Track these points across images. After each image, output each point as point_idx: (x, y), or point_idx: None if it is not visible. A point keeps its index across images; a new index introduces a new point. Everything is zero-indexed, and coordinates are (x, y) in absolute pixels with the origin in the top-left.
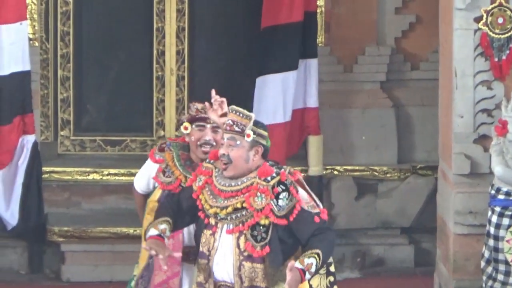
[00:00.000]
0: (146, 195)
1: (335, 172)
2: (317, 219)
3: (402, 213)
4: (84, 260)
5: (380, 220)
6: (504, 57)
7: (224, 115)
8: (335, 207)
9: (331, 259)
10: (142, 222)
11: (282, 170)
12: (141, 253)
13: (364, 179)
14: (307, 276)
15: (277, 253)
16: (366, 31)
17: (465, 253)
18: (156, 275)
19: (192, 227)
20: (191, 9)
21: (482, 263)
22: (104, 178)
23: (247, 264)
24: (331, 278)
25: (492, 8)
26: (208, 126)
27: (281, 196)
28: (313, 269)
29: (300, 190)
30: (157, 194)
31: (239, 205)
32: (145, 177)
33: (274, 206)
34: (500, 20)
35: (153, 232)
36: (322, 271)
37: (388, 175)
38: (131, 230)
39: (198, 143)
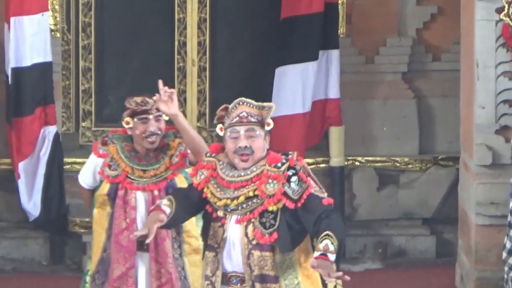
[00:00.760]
0: (92, 190)
1: (357, 163)
2: (325, 201)
3: (423, 204)
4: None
5: (402, 211)
6: None
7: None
8: (357, 198)
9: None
10: (91, 215)
11: (290, 156)
12: (93, 246)
13: (386, 170)
14: (330, 256)
15: (286, 239)
16: (387, 22)
17: (487, 243)
18: (115, 268)
19: (144, 216)
20: (212, 0)
21: (504, 254)
22: None
23: (256, 253)
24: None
25: None
26: (151, 116)
27: (292, 179)
28: (331, 248)
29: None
30: (105, 187)
31: (251, 194)
32: (90, 172)
33: (287, 189)
34: None
35: (164, 203)
36: None
37: (409, 166)
38: None
39: (143, 135)
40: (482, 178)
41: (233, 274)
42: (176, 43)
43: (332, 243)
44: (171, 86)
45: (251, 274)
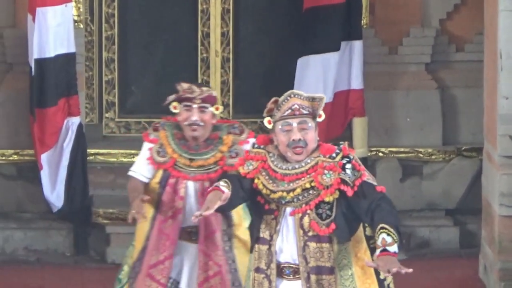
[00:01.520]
0: (144, 185)
1: (380, 154)
2: (378, 189)
3: (447, 194)
4: (129, 242)
5: (425, 202)
6: None
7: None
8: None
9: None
10: (133, 198)
11: (342, 145)
12: (136, 235)
13: (409, 160)
14: (390, 249)
15: (344, 229)
16: (410, 12)
17: (510, 234)
18: (153, 255)
19: (194, 206)
20: None
21: None
22: None
23: (312, 244)
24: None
25: None
26: (195, 106)
27: (347, 167)
28: (389, 240)
29: None
30: (158, 175)
31: (307, 185)
32: (144, 161)
33: (344, 175)
34: None
35: (223, 184)
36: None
37: (433, 156)
38: None
39: (185, 123)
40: (506, 169)
41: (286, 265)
42: (200, 33)
43: (388, 235)
44: (195, 77)
45: (306, 266)
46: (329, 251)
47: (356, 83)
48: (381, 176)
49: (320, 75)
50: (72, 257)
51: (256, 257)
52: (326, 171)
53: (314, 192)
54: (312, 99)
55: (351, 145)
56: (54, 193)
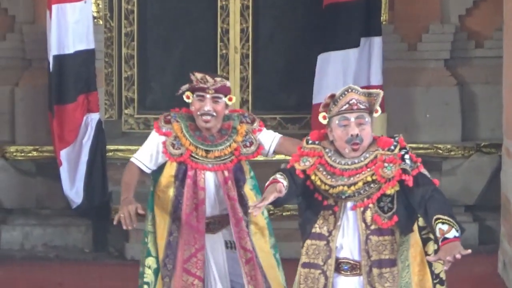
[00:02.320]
0: (142, 174)
1: None
2: (435, 181)
3: (466, 191)
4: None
5: None
6: None
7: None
8: None
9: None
10: (124, 193)
11: (398, 137)
12: (157, 232)
13: (428, 156)
14: (449, 235)
15: (406, 221)
16: (430, 9)
17: None
18: (185, 250)
19: (213, 197)
20: None
21: None
22: None
23: (374, 238)
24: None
25: None
26: (208, 96)
27: (406, 157)
28: (445, 228)
29: None
30: (172, 169)
31: (369, 178)
32: (149, 151)
33: (404, 165)
34: None
35: (280, 176)
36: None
37: (452, 153)
38: None
39: (198, 113)
40: None
41: (344, 260)
42: (219, 30)
43: (443, 223)
44: (214, 73)
45: (368, 259)
46: (392, 244)
47: (376, 79)
48: None
49: (340, 72)
50: (91, 253)
51: (304, 252)
52: (386, 164)
53: (375, 185)
54: (369, 94)
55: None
56: (73, 189)
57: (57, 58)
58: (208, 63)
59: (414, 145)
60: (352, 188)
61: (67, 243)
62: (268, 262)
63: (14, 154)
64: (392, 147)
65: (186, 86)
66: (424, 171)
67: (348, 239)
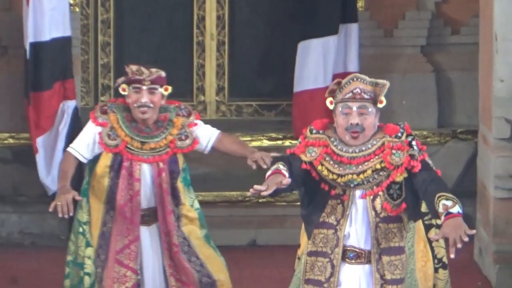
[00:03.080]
0: (78, 163)
1: None
2: (438, 172)
3: (442, 177)
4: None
5: None
6: None
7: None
8: None
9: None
10: (61, 181)
11: (403, 124)
12: (91, 222)
13: None
14: (453, 210)
15: (414, 207)
16: None
17: (506, 217)
18: (118, 240)
19: (150, 190)
20: None
21: None
22: None
23: (383, 226)
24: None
25: None
26: (144, 88)
27: (413, 143)
28: (450, 203)
29: None
30: (108, 159)
31: (378, 166)
32: (86, 141)
33: (412, 151)
34: None
35: (283, 167)
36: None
37: (428, 139)
38: None
39: (135, 105)
40: (501, 151)
41: (350, 248)
42: (195, 17)
43: (447, 199)
44: (190, 60)
45: (378, 247)
46: (401, 231)
47: (352, 66)
48: None
49: (321, 59)
50: (67, 240)
51: (311, 241)
52: (394, 151)
53: (384, 173)
54: (375, 84)
55: None
56: (50, 176)
57: (34, 45)
58: (184, 50)
59: None
60: (361, 176)
61: (43, 230)
62: (205, 250)
63: None
64: (399, 134)
65: (122, 78)
66: (428, 159)
67: (356, 227)
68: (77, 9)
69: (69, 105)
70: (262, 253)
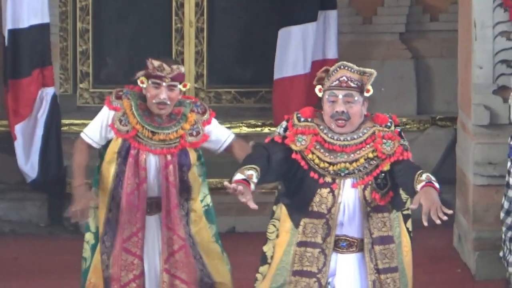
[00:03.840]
0: (91, 149)
1: None
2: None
3: (421, 164)
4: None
5: None
6: None
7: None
8: None
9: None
10: (78, 179)
11: (388, 115)
12: (99, 207)
13: None
14: (435, 184)
15: (399, 197)
16: None
17: (485, 204)
18: (126, 229)
19: (154, 179)
20: None
21: (502, 214)
22: None
23: (374, 215)
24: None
25: None
26: (164, 84)
27: (402, 135)
28: (434, 178)
29: None
30: (116, 145)
31: (370, 155)
32: (99, 126)
33: (404, 142)
34: None
35: (239, 176)
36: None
37: (407, 126)
38: None
39: (154, 101)
40: (480, 138)
41: (342, 237)
42: (174, 4)
43: (426, 175)
44: (169, 47)
45: (370, 237)
46: (390, 220)
47: (331, 53)
48: None
49: (300, 46)
50: (47, 228)
51: (301, 231)
52: (385, 140)
53: (375, 162)
54: (363, 73)
55: None
56: (28, 163)
57: (12, 32)
58: (163, 37)
59: None
60: (354, 164)
61: (22, 218)
62: (209, 251)
63: None
64: (389, 124)
65: (142, 72)
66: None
67: (348, 216)
68: None
69: (48, 92)
70: (241, 240)
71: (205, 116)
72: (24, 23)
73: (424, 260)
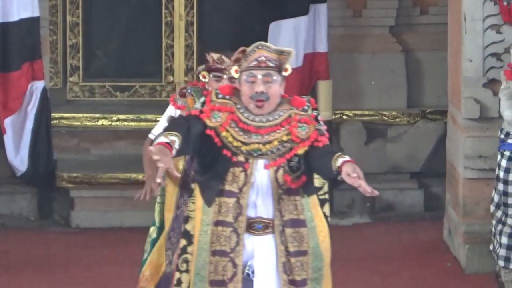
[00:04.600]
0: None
1: (345, 117)
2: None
3: (411, 157)
4: (94, 206)
5: (390, 165)
6: None
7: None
8: (345, 152)
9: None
10: (151, 177)
11: (308, 98)
12: (166, 204)
13: (374, 123)
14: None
15: (311, 182)
16: None
17: (475, 197)
18: None
19: None
20: None
21: (492, 208)
22: (113, 124)
23: (286, 198)
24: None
25: None
26: (225, 76)
27: (318, 118)
28: (348, 158)
29: None
30: None
31: (284, 138)
32: (165, 124)
33: (319, 126)
34: None
35: (162, 139)
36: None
37: (397, 119)
38: (140, 176)
39: None
40: (470, 132)
41: (256, 219)
42: None
43: (344, 157)
44: (159, 40)
45: (281, 219)
46: (301, 203)
47: (321, 46)
48: (345, 139)
49: (292, 40)
50: (37, 221)
51: (217, 210)
52: (300, 124)
53: (289, 144)
54: (281, 52)
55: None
56: (18, 157)
57: (2, 26)
58: (152, 30)
59: (359, 112)
60: (267, 146)
61: (12, 211)
62: None
63: None
64: (306, 107)
65: (203, 66)
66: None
67: (262, 197)
68: None
69: (38, 86)
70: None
71: None
72: (14, 17)
73: (414, 253)
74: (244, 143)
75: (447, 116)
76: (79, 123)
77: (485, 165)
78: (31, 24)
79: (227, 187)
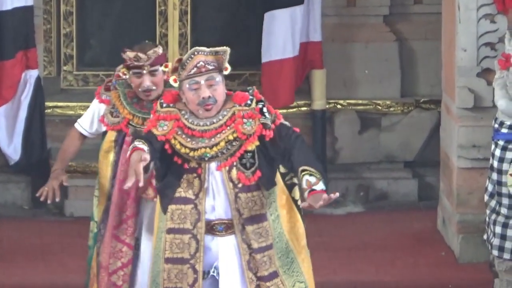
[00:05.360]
0: (83, 138)
1: (338, 106)
2: (296, 129)
3: (405, 147)
4: (87, 195)
5: (384, 154)
6: None
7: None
8: (338, 141)
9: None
10: (57, 163)
11: (252, 90)
12: (99, 196)
13: (367, 113)
14: (317, 187)
15: (268, 175)
16: None
17: (469, 187)
18: (116, 215)
19: None
20: None
21: (486, 197)
22: None
23: (242, 195)
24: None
25: None
26: (145, 71)
27: (264, 110)
28: (313, 180)
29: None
30: (112, 134)
31: (230, 137)
32: (89, 117)
33: (264, 120)
34: None
35: (141, 145)
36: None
37: (391, 109)
38: None
39: (139, 89)
40: (464, 121)
41: (217, 222)
42: None
43: (310, 175)
44: (153, 29)
45: (240, 218)
46: (261, 198)
47: (315, 35)
48: (339, 128)
49: (288, 29)
50: (30, 210)
51: (170, 218)
52: (245, 120)
53: (237, 142)
54: (216, 53)
55: (309, 97)
56: (11, 146)
57: None
58: (146, 19)
59: (353, 101)
60: (215, 149)
61: (6, 200)
62: None
63: None
64: (249, 102)
65: (121, 66)
66: (283, 121)
67: (219, 199)
68: None
69: (32, 75)
70: None
71: None
72: (8, 5)
73: (408, 243)
74: (192, 149)
75: (441, 105)
76: (73, 112)
77: (479, 154)
78: (25, 12)
79: (183, 194)
